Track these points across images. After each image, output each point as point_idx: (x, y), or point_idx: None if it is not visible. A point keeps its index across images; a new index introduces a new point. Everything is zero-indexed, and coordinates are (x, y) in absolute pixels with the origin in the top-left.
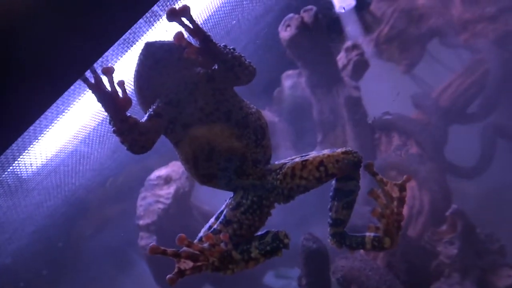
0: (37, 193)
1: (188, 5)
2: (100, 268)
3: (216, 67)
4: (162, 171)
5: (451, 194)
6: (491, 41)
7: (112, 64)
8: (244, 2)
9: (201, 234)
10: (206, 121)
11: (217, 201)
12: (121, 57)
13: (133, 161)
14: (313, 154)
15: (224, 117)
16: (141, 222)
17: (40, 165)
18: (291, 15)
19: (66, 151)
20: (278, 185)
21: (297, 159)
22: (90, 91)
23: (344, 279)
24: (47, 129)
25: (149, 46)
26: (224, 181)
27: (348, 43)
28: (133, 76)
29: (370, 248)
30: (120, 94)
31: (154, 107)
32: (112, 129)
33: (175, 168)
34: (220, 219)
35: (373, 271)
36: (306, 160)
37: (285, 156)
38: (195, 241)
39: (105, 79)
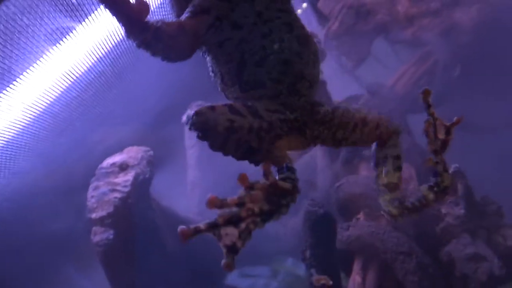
0: None
1: None
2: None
3: None
4: (116, 158)
5: None
6: (437, 34)
7: None
8: None
9: (213, 103)
10: (262, 28)
11: (174, 195)
12: None
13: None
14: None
15: (285, 28)
16: (94, 216)
17: None
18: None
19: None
20: (327, 120)
21: (355, 114)
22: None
23: (350, 250)
24: None
25: None
26: (271, 92)
27: None
28: None
29: (433, 197)
30: None
31: (198, 2)
32: (136, 43)
33: (131, 154)
34: (251, 106)
35: (387, 233)
36: (366, 119)
37: None
38: (198, 110)
39: None
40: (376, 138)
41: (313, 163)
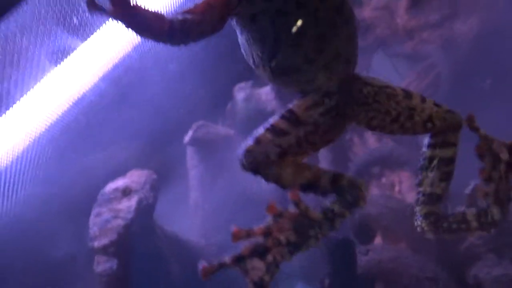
0: None
1: None
2: None
3: None
4: (118, 183)
5: None
6: (438, 47)
7: None
8: None
9: (257, 135)
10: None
11: (177, 217)
12: None
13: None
14: (417, 99)
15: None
16: (96, 244)
17: None
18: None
19: None
20: (370, 102)
21: (405, 100)
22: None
23: (369, 277)
24: None
25: None
26: (307, 77)
27: None
28: None
29: (476, 226)
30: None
31: None
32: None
33: (134, 178)
34: (288, 117)
35: (410, 257)
36: (414, 110)
37: (242, 172)
38: (245, 151)
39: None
40: (426, 131)
41: None
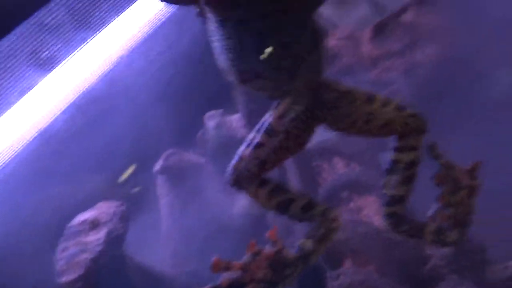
0: None
1: None
2: None
3: None
4: (86, 215)
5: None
6: (400, 74)
7: None
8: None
9: (239, 153)
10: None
11: (148, 246)
12: None
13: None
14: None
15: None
16: (63, 279)
17: None
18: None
19: None
20: (334, 107)
21: (366, 105)
22: None
23: None
24: None
25: None
26: (273, 83)
27: None
28: None
29: (432, 240)
30: None
31: None
32: None
33: (103, 209)
34: (262, 129)
35: (378, 281)
36: (373, 115)
37: (213, 199)
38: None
39: None
40: (386, 134)
41: None
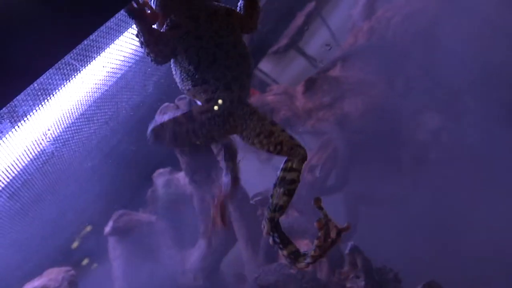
0: None
1: None
2: None
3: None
4: (35, 283)
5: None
6: (333, 124)
7: None
8: (123, 92)
9: (160, 119)
10: (216, 40)
11: None
12: None
13: None
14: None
15: (232, 44)
16: None
17: None
18: (166, 104)
19: None
20: (246, 118)
21: (269, 125)
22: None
23: None
24: None
25: None
26: (212, 88)
27: None
28: None
29: (286, 256)
30: (147, 10)
31: (173, 19)
32: (140, 41)
33: (52, 276)
34: (184, 112)
35: None
36: (272, 133)
37: (165, 256)
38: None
39: None
40: (278, 152)
41: (241, 256)
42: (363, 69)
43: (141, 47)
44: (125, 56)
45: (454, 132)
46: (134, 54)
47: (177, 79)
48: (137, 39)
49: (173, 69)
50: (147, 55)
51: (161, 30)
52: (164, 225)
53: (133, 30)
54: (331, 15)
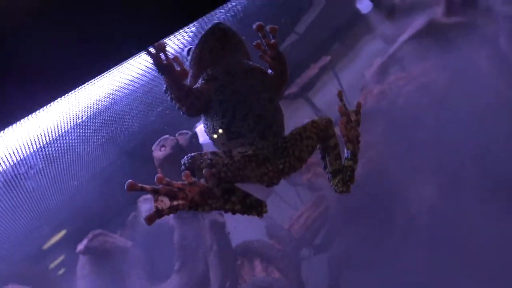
0: None
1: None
2: None
3: (273, 71)
4: None
5: None
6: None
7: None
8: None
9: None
10: (252, 94)
11: None
12: None
13: None
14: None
15: (267, 98)
16: None
17: None
18: (166, 136)
19: None
20: (284, 142)
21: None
22: (153, 63)
23: None
24: None
25: (220, 23)
26: (249, 141)
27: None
28: (193, 48)
29: (352, 163)
30: (176, 67)
31: (210, 72)
32: (169, 97)
33: None
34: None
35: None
36: (302, 126)
37: (134, 287)
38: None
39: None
40: (317, 135)
41: None
42: (368, 131)
43: (171, 102)
44: (131, 80)
45: (449, 199)
46: (140, 84)
47: (209, 132)
48: (166, 95)
49: (203, 123)
50: (178, 110)
51: (197, 84)
52: (139, 253)
53: (141, 59)
54: (344, 72)
